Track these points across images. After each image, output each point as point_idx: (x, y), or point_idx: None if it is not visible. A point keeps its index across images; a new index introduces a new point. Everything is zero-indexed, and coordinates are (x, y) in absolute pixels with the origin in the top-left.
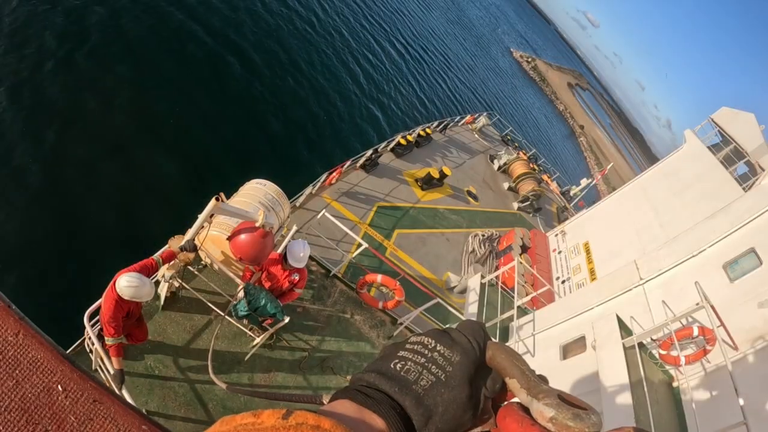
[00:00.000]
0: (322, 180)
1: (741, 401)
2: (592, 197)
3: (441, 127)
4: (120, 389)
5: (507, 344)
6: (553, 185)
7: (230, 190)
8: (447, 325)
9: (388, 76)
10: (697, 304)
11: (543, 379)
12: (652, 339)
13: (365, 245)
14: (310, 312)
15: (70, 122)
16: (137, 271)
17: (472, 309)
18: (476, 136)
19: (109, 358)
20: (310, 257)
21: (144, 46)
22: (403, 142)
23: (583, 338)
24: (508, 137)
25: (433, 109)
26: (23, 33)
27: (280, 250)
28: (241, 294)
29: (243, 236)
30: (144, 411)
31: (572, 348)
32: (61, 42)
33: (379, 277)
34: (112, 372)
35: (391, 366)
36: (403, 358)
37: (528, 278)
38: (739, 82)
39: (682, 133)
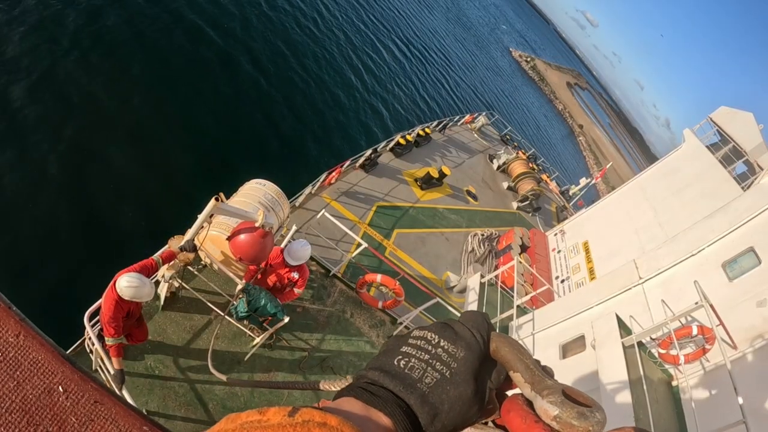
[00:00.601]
0: (321, 180)
1: (740, 400)
2: (591, 197)
3: (440, 126)
4: (120, 389)
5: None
6: (553, 185)
7: (239, 183)
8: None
9: (390, 74)
10: (696, 303)
11: (548, 372)
12: (651, 338)
13: (365, 245)
14: (309, 312)
15: (86, 121)
16: (137, 271)
17: (472, 308)
18: (475, 135)
19: (109, 358)
20: (310, 257)
21: (158, 45)
22: (402, 141)
23: (582, 337)
24: (508, 137)
25: (434, 107)
26: (42, 31)
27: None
28: (240, 294)
29: (243, 236)
30: (144, 411)
31: (572, 347)
32: (77, 40)
33: (378, 277)
34: (112, 372)
35: (395, 363)
36: (406, 354)
37: (527, 278)
38: (738, 81)
39: (681, 132)
